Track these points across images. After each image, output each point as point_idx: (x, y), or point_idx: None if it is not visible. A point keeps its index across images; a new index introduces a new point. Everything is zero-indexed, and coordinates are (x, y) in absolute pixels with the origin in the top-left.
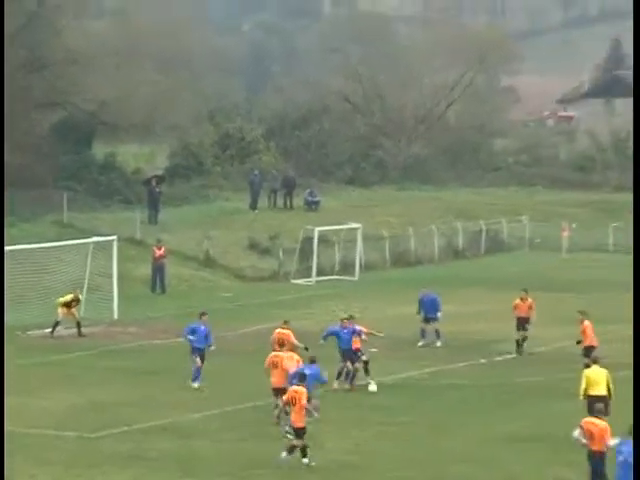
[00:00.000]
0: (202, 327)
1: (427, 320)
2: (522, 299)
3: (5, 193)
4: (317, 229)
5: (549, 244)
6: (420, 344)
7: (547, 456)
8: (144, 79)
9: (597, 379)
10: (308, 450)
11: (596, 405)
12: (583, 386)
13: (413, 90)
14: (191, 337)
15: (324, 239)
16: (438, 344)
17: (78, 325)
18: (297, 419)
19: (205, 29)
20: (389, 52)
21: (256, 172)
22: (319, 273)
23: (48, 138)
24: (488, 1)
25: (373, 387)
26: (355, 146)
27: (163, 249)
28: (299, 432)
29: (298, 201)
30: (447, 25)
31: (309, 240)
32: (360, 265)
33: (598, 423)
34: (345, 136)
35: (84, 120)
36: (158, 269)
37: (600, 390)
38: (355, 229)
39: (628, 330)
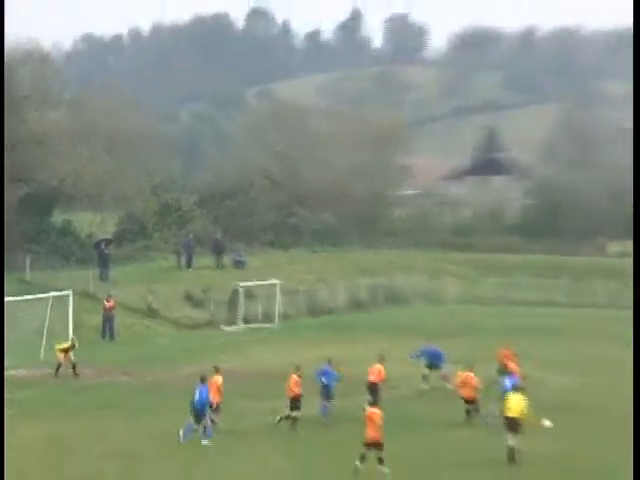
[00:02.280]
0: (203, 391)
1: (432, 367)
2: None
3: None
4: (243, 284)
5: (438, 297)
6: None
7: (443, 475)
8: (96, 158)
9: (513, 405)
10: None
11: (509, 425)
12: (503, 409)
13: (324, 168)
14: (199, 405)
15: (249, 293)
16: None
17: (74, 367)
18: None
19: (147, 116)
20: (304, 136)
21: (190, 236)
22: (245, 321)
23: (14, 208)
24: (386, 94)
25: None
26: (275, 214)
27: (112, 301)
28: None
29: (227, 261)
30: (352, 114)
31: (236, 293)
32: (279, 314)
33: None
34: (266, 206)
35: (45, 192)
36: (108, 319)
37: (514, 413)
38: (275, 284)
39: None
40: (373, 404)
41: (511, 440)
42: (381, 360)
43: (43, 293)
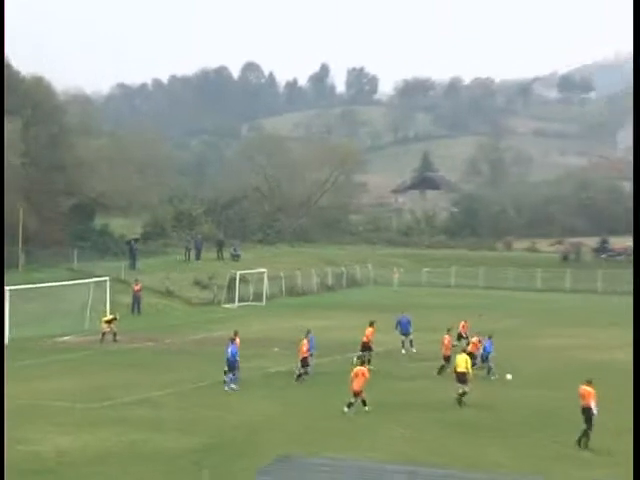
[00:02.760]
0: (234, 348)
1: (405, 334)
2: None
3: (36, 250)
4: (239, 272)
5: (385, 282)
6: (403, 352)
7: (388, 415)
8: (127, 176)
9: (460, 362)
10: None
11: (458, 377)
12: (453, 366)
13: (299, 184)
14: (232, 358)
15: (243, 279)
16: (414, 350)
17: (114, 334)
18: None
19: (166, 145)
20: (284, 159)
21: (199, 236)
22: (240, 300)
23: (66, 214)
24: (347, 127)
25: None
26: (263, 219)
27: (140, 285)
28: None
29: (226, 254)
30: (321, 142)
31: (233, 279)
32: (266, 295)
33: None
34: (256, 213)
35: (88, 203)
36: (136, 298)
37: (461, 368)
38: (263, 272)
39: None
40: (362, 363)
41: (460, 389)
42: (372, 324)
43: (87, 279)
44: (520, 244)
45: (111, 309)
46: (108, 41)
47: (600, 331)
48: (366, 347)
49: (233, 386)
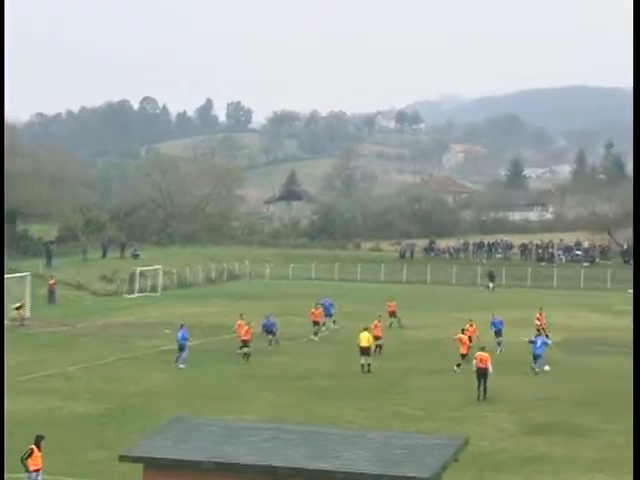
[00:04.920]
0: (184, 332)
1: (327, 316)
2: (316, 305)
3: None
4: (138, 268)
5: (259, 275)
6: (323, 329)
7: (262, 384)
8: (44, 190)
9: (363, 338)
10: None
11: (362, 351)
12: (358, 341)
13: (189, 196)
14: (182, 341)
15: (142, 274)
16: (336, 327)
17: (22, 319)
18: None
19: (77, 163)
20: (176, 176)
21: (105, 239)
22: (139, 291)
23: None
24: (228, 150)
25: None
26: (158, 225)
27: (54, 280)
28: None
29: (128, 254)
30: (206, 161)
31: (133, 274)
32: (161, 287)
33: None
34: (153, 219)
35: (11, 211)
36: (51, 291)
37: (364, 343)
38: (158, 268)
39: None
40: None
41: (363, 359)
42: (317, 306)
43: (10, 274)
44: (367, 245)
45: (31, 300)
46: (28, 77)
47: (427, 314)
48: (316, 323)
49: (181, 365)
